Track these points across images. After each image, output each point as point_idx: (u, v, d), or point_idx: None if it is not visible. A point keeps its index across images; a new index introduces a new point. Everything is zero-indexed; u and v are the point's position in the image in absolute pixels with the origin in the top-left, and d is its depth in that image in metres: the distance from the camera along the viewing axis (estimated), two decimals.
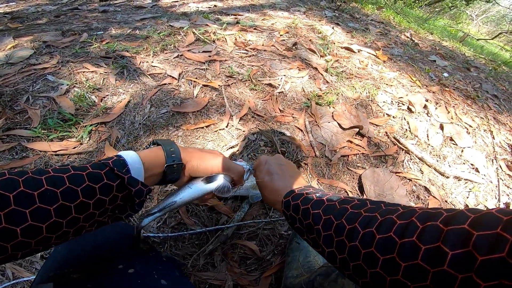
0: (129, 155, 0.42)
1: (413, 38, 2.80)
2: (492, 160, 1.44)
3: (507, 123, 1.80)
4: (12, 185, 0.29)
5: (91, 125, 1.05)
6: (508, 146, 1.59)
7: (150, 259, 0.54)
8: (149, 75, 1.30)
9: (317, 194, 0.46)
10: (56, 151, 0.96)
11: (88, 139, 1.03)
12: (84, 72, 1.27)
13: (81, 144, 1.01)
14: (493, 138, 1.60)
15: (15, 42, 1.46)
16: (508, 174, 1.38)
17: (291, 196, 0.49)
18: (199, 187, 0.53)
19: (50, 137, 0.99)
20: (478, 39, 5.43)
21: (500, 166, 1.41)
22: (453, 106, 1.73)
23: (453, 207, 1.15)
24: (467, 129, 1.58)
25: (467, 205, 1.17)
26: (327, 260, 0.39)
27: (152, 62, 1.38)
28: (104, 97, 1.18)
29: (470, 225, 0.23)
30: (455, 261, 0.23)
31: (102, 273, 0.46)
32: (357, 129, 1.26)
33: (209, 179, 0.54)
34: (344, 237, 0.35)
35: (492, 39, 6.00)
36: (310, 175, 1.08)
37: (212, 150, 0.59)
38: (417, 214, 0.29)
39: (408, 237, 0.27)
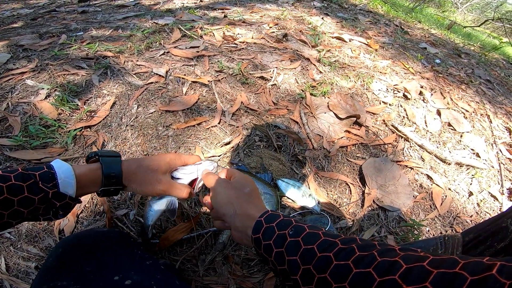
0: (61, 169, 0.41)
1: (402, 27, 2.78)
2: (492, 144, 1.42)
3: (503, 107, 1.79)
4: None
5: (75, 129, 0.99)
6: (506, 129, 1.58)
7: (148, 269, 0.52)
8: (134, 74, 1.23)
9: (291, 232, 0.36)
10: (40, 159, 0.90)
11: (73, 144, 0.96)
12: (64, 74, 1.20)
13: (66, 150, 0.94)
14: (491, 122, 1.59)
15: None
16: (508, 158, 1.37)
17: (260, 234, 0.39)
18: (153, 211, 0.60)
19: (32, 145, 0.93)
20: (464, 27, 5.46)
21: (500, 150, 1.39)
22: (448, 92, 1.71)
23: (457, 194, 1.12)
24: (464, 114, 1.56)
25: (471, 192, 1.14)
26: None
27: (137, 61, 1.31)
28: (88, 100, 1.11)
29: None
30: None
31: (97, 286, 0.44)
32: (354, 119, 1.22)
33: (157, 201, 0.59)
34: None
35: (478, 26, 6.03)
36: (309, 169, 1.04)
37: (159, 166, 0.51)
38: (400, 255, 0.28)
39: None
